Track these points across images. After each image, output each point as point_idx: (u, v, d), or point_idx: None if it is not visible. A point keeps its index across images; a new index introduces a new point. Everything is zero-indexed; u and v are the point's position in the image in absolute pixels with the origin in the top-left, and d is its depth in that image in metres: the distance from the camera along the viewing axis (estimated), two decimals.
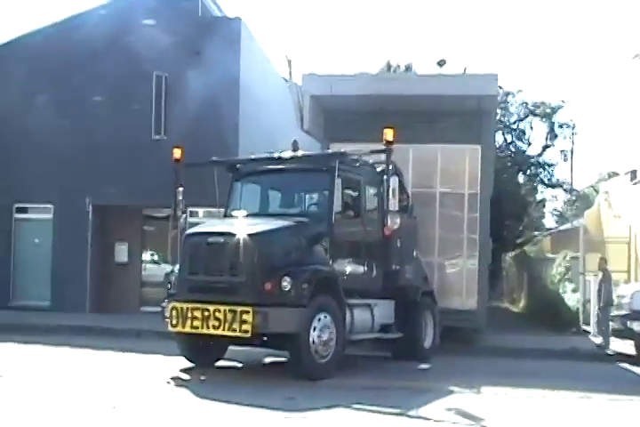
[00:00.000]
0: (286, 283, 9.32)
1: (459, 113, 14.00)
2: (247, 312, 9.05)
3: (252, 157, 11.86)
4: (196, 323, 9.41)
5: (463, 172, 14.41)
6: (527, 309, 23.52)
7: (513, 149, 32.67)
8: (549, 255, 23.76)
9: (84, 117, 18.73)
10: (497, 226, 28.06)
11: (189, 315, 9.47)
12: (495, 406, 8.62)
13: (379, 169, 11.46)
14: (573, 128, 32.43)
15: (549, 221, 42.16)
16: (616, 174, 27.36)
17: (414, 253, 12.65)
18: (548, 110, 32.46)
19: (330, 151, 11.45)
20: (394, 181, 10.21)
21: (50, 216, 19.40)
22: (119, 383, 9.35)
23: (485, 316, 14.60)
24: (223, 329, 9.18)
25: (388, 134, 10.39)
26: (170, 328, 9.77)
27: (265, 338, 9.55)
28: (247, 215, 11.07)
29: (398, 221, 10.34)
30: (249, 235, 9.61)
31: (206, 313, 9.31)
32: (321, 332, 9.58)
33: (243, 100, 18.86)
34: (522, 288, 26.68)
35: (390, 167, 10.76)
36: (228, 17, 21.21)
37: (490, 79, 13.66)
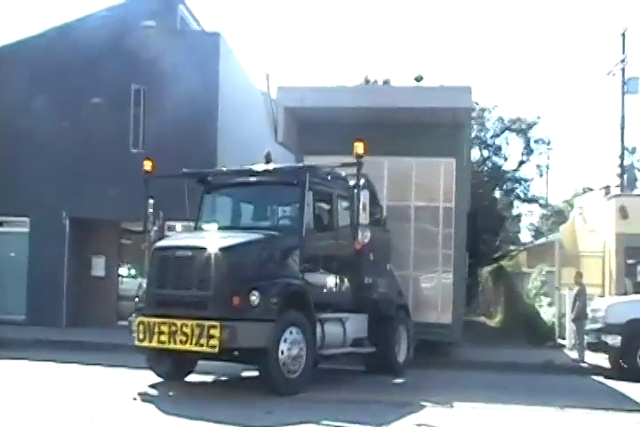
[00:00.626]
0: (254, 297, 9.15)
1: (434, 126, 13.95)
2: (214, 327, 8.87)
3: (224, 169, 11.73)
4: (163, 338, 9.23)
5: (438, 185, 14.39)
6: (503, 323, 23.63)
7: (489, 165, 32.95)
8: (525, 270, 23.96)
9: (61, 131, 18.63)
10: (473, 240, 28.20)
11: (156, 329, 9.29)
12: (467, 421, 8.56)
13: (351, 182, 11.33)
14: (549, 144, 32.83)
15: (525, 236, 42.51)
16: (591, 190, 27.69)
17: (388, 267, 12.55)
18: (524, 126, 32.80)
19: (300, 164, 11.32)
20: (364, 195, 10.09)
21: (26, 229, 19.24)
22: (82, 399, 9.13)
23: (461, 330, 14.58)
24: (190, 344, 9.00)
25: (359, 148, 10.26)
26: (137, 343, 9.56)
27: (235, 353, 9.36)
28: (218, 228, 10.95)
29: (369, 234, 10.21)
30: (217, 248, 9.46)
31: (173, 328, 9.14)
32: (290, 346, 9.44)
33: (221, 113, 18.90)
34: (498, 302, 26.82)
35: (362, 181, 10.69)
36: (207, 31, 21.34)
37: (464, 92, 13.62)
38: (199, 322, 8.97)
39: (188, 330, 9.01)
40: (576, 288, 15.52)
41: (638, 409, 9.68)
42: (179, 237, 11.03)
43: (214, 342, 8.85)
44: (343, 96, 13.88)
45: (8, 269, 19.26)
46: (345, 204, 11.43)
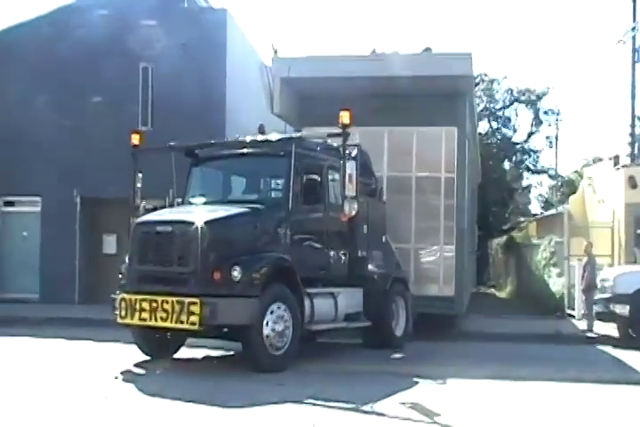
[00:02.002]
0: (236, 272, 8.96)
1: (434, 95, 13.68)
2: (195, 304, 8.72)
3: (212, 141, 11.46)
4: (144, 315, 9.12)
5: (439, 155, 14.13)
6: (513, 294, 23.81)
7: (499, 136, 32.92)
8: (535, 241, 24.01)
9: (70, 110, 18.71)
10: (483, 212, 28.45)
11: (138, 306, 9.18)
12: (458, 396, 8.33)
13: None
14: (558, 114, 32.71)
15: (535, 207, 42.53)
16: (601, 160, 27.60)
17: (384, 239, 12.27)
18: (533, 97, 32.68)
19: (286, 135, 10.90)
20: (350, 166, 9.76)
21: (38, 209, 19.46)
22: (63, 377, 9.03)
23: (465, 302, 14.51)
24: (171, 321, 8.88)
25: (344, 117, 9.87)
26: (118, 320, 9.46)
27: (225, 329, 9.23)
28: (204, 203, 10.75)
29: (356, 207, 9.87)
30: (197, 223, 9.25)
31: (154, 305, 9.01)
32: (275, 323, 9.26)
33: (229, 90, 18.93)
34: (508, 274, 26.97)
35: (352, 151, 10.51)
36: (214, 8, 21.26)
37: (463, 59, 13.26)
38: (179, 299, 8.83)
39: (168, 307, 8.89)
40: (585, 258, 15.59)
41: None
42: (161, 211, 10.66)
43: (194, 318, 8.72)
44: (339, 65, 13.49)
45: (21, 248, 19.53)
46: (337, 175, 10.96)
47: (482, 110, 32.52)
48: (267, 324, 9.18)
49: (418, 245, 14.19)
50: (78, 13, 18.64)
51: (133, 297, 9.31)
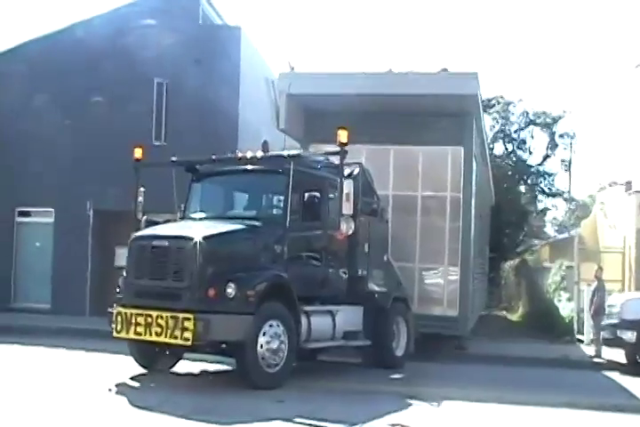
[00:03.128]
0: (231, 289, 8.94)
1: (441, 114, 13.65)
2: (188, 319, 8.70)
3: (213, 157, 11.41)
4: (139, 329, 9.11)
5: (445, 174, 14.06)
6: (524, 317, 23.63)
7: (514, 159, 32.81)
8: (546, 264, 23.92)
9: (85, 122, 18.92)
10: (497, 235, 28.32)
11: (133, 321, 9.17)
12: (452, 419, 8.28)
13: (347, 171, 10.98)
14: (573, 138, 32.57)
15: (550, 231, 42.31)
16: (616, 185, 27.51)
17: (385, 258, 12.20)
18: (549, 120, 32.58)
19: (286, 152, 10.87)
20: (348, 184, 9.79)
21: (51, 220, 19.62)
22: (58, 388, 9.00)
23: (468, 323, 14.31)
24: (165, 336, 8.86)
25: (342, 136, 9.94)
26: (114, 334, 9.46)
27: (223, 345, 9.23)
28: (203, 218, 10.77)
29: (352, 225, 9.87)
30: (193, 238, 9.23)
31: (149, 319, 9.00)
32: (270, 340, 9.21)
33: (242, 106, 19.08)
34: (520, 297, 26.82)
35: (353, 170, 10.48)
36: (229, 25, 21.47)
37: (470, 78, 13.17)
38: (174, 314, 8.83)
39: (162, 322, 8.89)
40: (595, 283, 15.50)
41: (637, 410, 9.34)
42: (159, 226, 10.69)
43: (188, 334, 8.71)
44: (344, 82, 13.38)
45: (33, 258, 19.67)
46: (336, 194, 10.70)
47: (497, 132, 32.47)
48: (261, 341, 9.15)
49: (422, 264, 14.06)
50: (92, 30, 18.91)
51: (129, 311, 9.31)
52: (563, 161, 32.79)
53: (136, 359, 10.32)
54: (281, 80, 13.87)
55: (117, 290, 10.08)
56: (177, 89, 18.68)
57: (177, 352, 10.34)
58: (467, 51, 69.08)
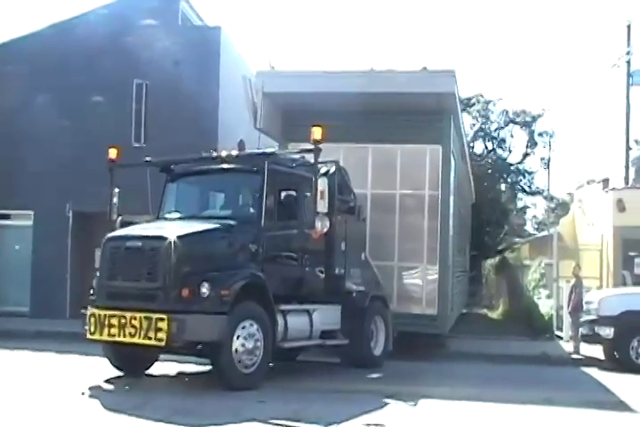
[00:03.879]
0: (205, 289, 8.87)
1: (419, 112, 13.62)
2: (162, 320, 8.63)
3: (187, 157, 11.35)
4: (113, 331, 9.03)
5: (423, 173, 14.02)
6: (505, 315, 23.80)
7: (494, 157, 33.05)
8: (526, 262, 24.08)
9: (65, 124, 18.80)
10: (478, 233, 28.52)
11: (107, 322, 9.09)
12: (430, 416, 8.32)
13: (323, 169, 10.94)
14: (552, 136, 32.84)
15: (530, 229, 42.59)
16: (594, 182, 27.77)
17: (362, 257, 12.16)
18: (529, 119, 32.86)
19: (259, 151, 10.75)
20: (322, 182, 9.71)
21: (30, 222, 19.53)
22: (32, 392, 8.92)
23: (448, 321, 14.33)
24: (139, 337, 8.77)
25: (316, 133, 9.80)
26: (88, 336, 9.38)
27: (199, 346, 9.10)
28: (178, 218, 10.69)
29: (327, 223, 9.76)
30: (166, 238, 9.17)
31: (123, 321, 8.93)
32: (245, 340, 9.15)
33: (222, 107, 19.10)
34: (500, 295, 27.00)
35: (330, 168, 10.46)
36: (209, 25, 21.51)
37: (447, 76, 13.13)
38: (147, 315, 8.75)
39: (136, 323, 8.81)
40: (573, 280, 15.67)
41: (614, 406, 9.42)
42: (132, 227, 10.54)
43: (162, 335, 8.63)
44: (322, 81, 13.32)
45: (12, 261, 19.55)
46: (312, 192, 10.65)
47: (477, 131, 32.72)
48: (236, 341, 9.09)
49: (401, 263, 14.02)
50: (71, 31, 18.85)
51: (102, 313, 9.22)
52: (542, 159, 33.09)
53: (111, 362, 10.21)
54: (258, 78, 13.79)
55: (92, 291, 10.01)
56: (157, 90, 18.64)
57: (152, 354, 10.23)
58: (447, 49, 69.41)
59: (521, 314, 21.17)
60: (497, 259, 30.06)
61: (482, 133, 32.93)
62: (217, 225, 9.84)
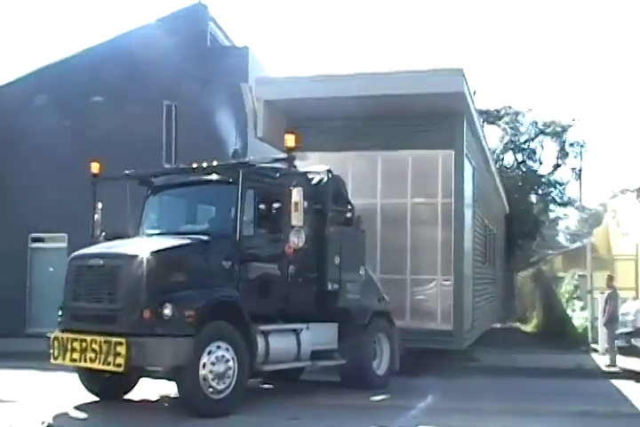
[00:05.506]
0: (167, 310, 8.23)
1: (429, 115, 12.92)
2: (121, 344, 8.06)
3: (166, 168, 10.68)
4: (75, 355, 8.50)
5: (436, 180, 13.18)
6: (539, 328, 23.64)
7: (524, 169, 32.93)
8: (560, 274, 23.98)
9: (96, 146, 19.13)
10: (510, 245, 28.44)
11: (69, 346, 8.57)
12: None
13: (317, 179, 10.43)
14: (583, 146, 32.63)
15: (563, 240, 42.29)
16: (628, 192, 27.57)
17: (361, 271, 11.13)
18: (559, 129, 32.66)
19: (234, 161, 10.16)
20: (297, 193, 8.94)
21: (64, 245, 19.89)
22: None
23: (464, 336, 13.33)
24: (98, 363, 8.25)
25: (289, 140, 9.25)
26: (52, 361, 8.85)
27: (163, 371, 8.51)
28: (155, 234, 10.06)
29: (304, 238, 9.02)
30: (127, 256, 8.66)
31: (84, 344, 8.40)
32: (214, 364, 8.46)
33: (252, 128, 19.30)
34: (534, 307, 26.85)
35: (317, 177, 9.97)
36: (237, 46, 21.85)
37: (454, 75, 12.38)
38: (107, 338, 8.21)
39: (96, 347, 8.29)
40: (607, 291, 15.59)
41: None
42: (99, 244, 9.85)
43: (120, 360, 8.07)
44: (325, 86, 12.64)
45: (47, 283, 19.89)
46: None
47: (506, 143, 32.63)
48: (204, 365, 8.41)
49: (414, 276, 13.21)
50: (104, 53, 19.25)
51: (65, 336, 8.74)
52: (573, 170, 32.76)
53: (85, 385, 9.54)
54: (258, 86, 13.24)
55: (59, 313, 9.42)
56: (186, 111, 18.97)
57: (132, 377, 9.50)
58: (475, 61, 69.38)
59: (555, 327, 21.02)
60: (530, 271, 29.90)
61: (511, 145, 32.82)
62: (185, 242, 9.15)
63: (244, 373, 8.80)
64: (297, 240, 9.03)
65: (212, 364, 8.46)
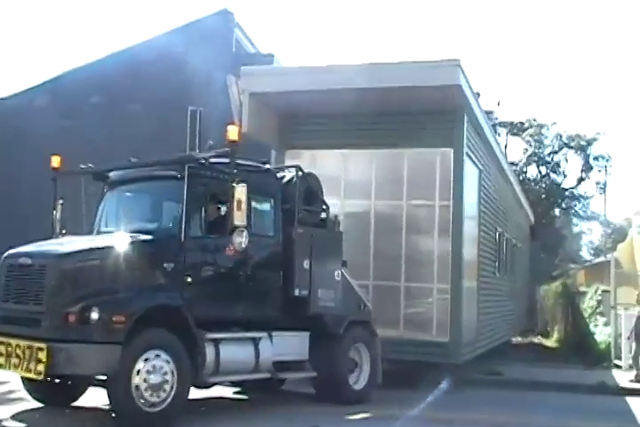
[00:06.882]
0: (94, 314, 7.50)
1: (427, 111, 12.00)
2: (42, 349, 7.43)
3: (119, 164, 9.99)
4: (1, 360, 7.88)
5: (434, 180, 12.22)
6: (561, 343, 23.42)
7: (547, 182, 32.80)
8: (583, 289, 23.75)
9: (121, 152, 19.32)
10: (532, 258, 28.30)
11: None
12: None
13: (288, 176, 9.75)
14: (608, 160, 32.46)
15: (586, 254, 41.98)
16: None
17: (337, 276, 10.07)
18: (583, 143, 32.52)
19: (176, 155, 9.38)
20: (240, 190, 8.15)
21: None
22: None
23: (462, 349, 12.24)
24: (21, 369, 7.64)
25: (231, 133, 8.46)
26: None
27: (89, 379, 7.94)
28: (105, 232, 9.33)
29: (246, 239, 8.24)
30: (53, 256, 8.07)
31: (9, 349, 7.80)
32: (149, 374, 7.70)
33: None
34: (556, 322, 26.63)
35: (288, 175, 9.42)
36: (262, 53, 21.98)
37: (450, 66, 11.38)
38: (30, 343, 7.58)
39: (20, 352, 7.68)
40: (638, 308, 15.40)
41: None
42: (34, 243, 9.06)
43: (41, 367, 7.43)
44: (313, 77, 11.81)
45: None
46: (263, 201, 9.49)
47: (530, 155, 32.54)
48: (137, 375, 7.67)
49: (409, 283, 12.22)
50: (131, 59, 19.35)
51: None
52: (598, 184, 32.62)
53: (29, 392, 8.84)
54: (243, 77, 12.21)
55: None
56: (211, 117, 19.10)
57: (82, 383, 8.81)
58: (501, 73, 69.19)
59: (577, 342, 20.82)
60: (552, 285, 29.70)
61: (535, 158, 32.71)
62: (120, 241, 8.34)
63: (185, 387, 8.05)
64: (240, 242, 8.24)
65: (147, 374, 7.73)
